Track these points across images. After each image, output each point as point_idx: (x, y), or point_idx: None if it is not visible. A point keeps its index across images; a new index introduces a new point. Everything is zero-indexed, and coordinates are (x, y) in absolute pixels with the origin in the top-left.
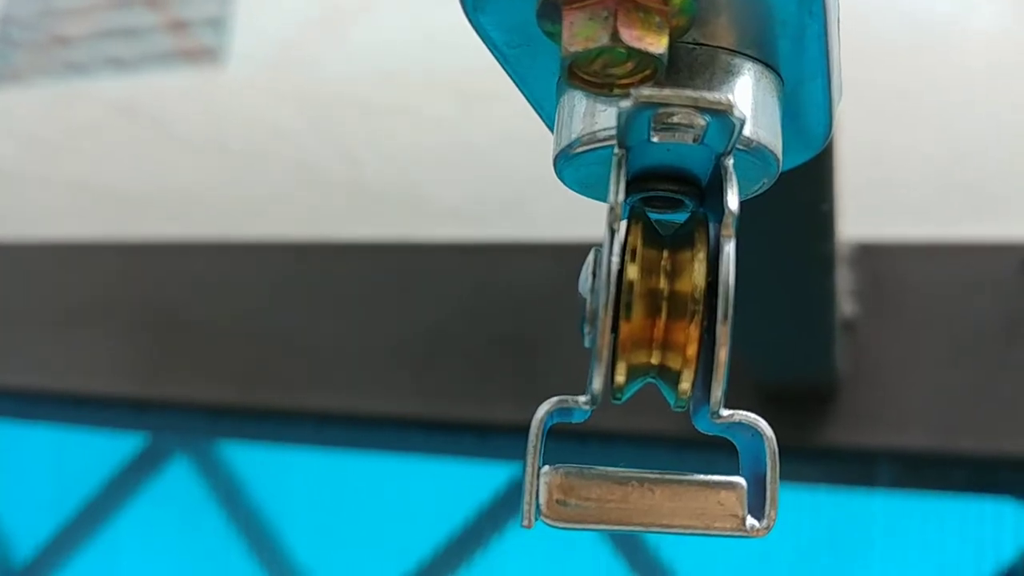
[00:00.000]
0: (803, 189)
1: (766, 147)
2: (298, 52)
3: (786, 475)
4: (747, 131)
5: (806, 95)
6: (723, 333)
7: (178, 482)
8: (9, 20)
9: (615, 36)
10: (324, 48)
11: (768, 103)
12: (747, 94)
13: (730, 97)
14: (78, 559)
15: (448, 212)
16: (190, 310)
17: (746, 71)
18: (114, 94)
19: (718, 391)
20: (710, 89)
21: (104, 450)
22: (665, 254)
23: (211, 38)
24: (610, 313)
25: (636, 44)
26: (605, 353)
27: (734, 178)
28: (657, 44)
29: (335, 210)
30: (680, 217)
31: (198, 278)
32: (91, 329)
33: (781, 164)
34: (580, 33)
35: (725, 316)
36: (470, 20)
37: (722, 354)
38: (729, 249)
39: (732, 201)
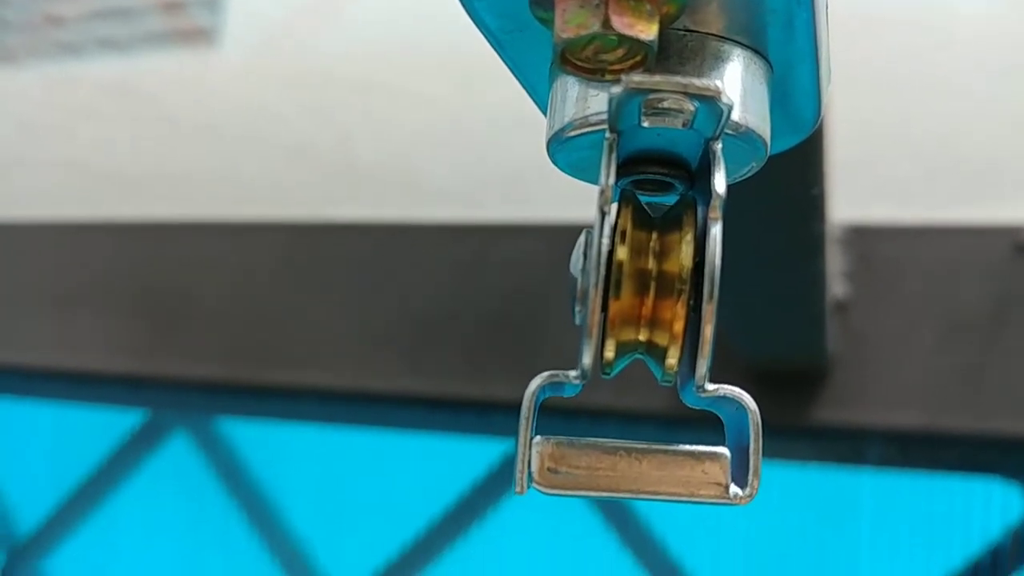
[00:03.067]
0: (794, 172)
1: (754, 132)
2: (292, 32)
3: (778, 453)
4: (735, 116)
5: (795, 80)
6: (708, 311)
7: (177, 457)
8: (3, 2)
9: (606, 23)
10: (319, 28)
11: (757, 89)
12: (736, 80)
13: (718, 83)
14: (80, 533)
15: (442, 192)
16: (186, 289)
17: (735, 57)
18: (108, 75)
19: (703, 366)
20: (700, 75)
21: (104, 426)
22: (654, 235)
23: (206, 18)
24: (600, 292)
25: (627, 31)
26: (595, 331)
27: (722, 162)
28: (647, 31)
29: (330, 190)
30: (670, 199)
31: (194, 258)
32: (89, 308)
33: (769, 148)
34: (572, 20)
35: (711, 295)
36: (465, 6)
37: (707, 331)
38: (716, 231)
39: (719, 184)
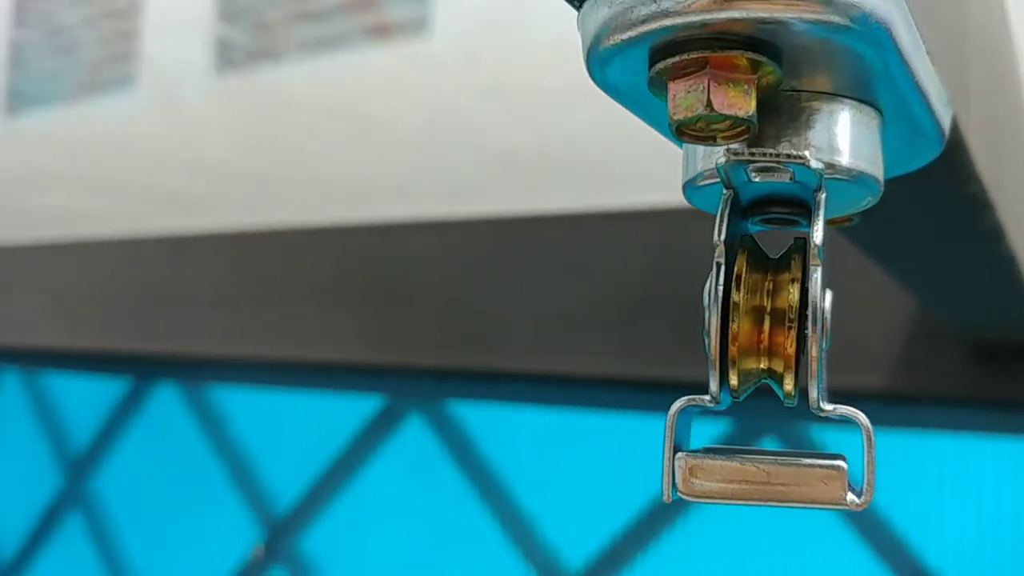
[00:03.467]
0: (945, 176)
1: (865, 173)
2: (499, 20)
3: (1007, 428)
4: (845, 163)
5: (912, 110)
6: (813, 343)
7: (414, 439)
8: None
9: (708, 105)
10: (526, 15)
11: (866, 135)
12: (845, 132)
13: (805, 153)
14: (330, 511)
15: (640, 180)
16: (411, 284)
17: (843, 110)
18: (313, 80)
19: (814, 391)
20: (807, 132)
21: (346, 412)
22: (769, 276)
23: (411, 11)
24: (718, 332)
25: (727, 111)
26: (718, 364)
27: (822, 213)
28: (745, 108)
29: (533, 182)
30: (803, 228)
31: (417, 255)
32: (329, 305)
33: (883, 184)
34: (681, 104)
35: (815, 329)
36: (595, 81)
37: (813, 361)
38: (816, 276)
39: (817, 235)
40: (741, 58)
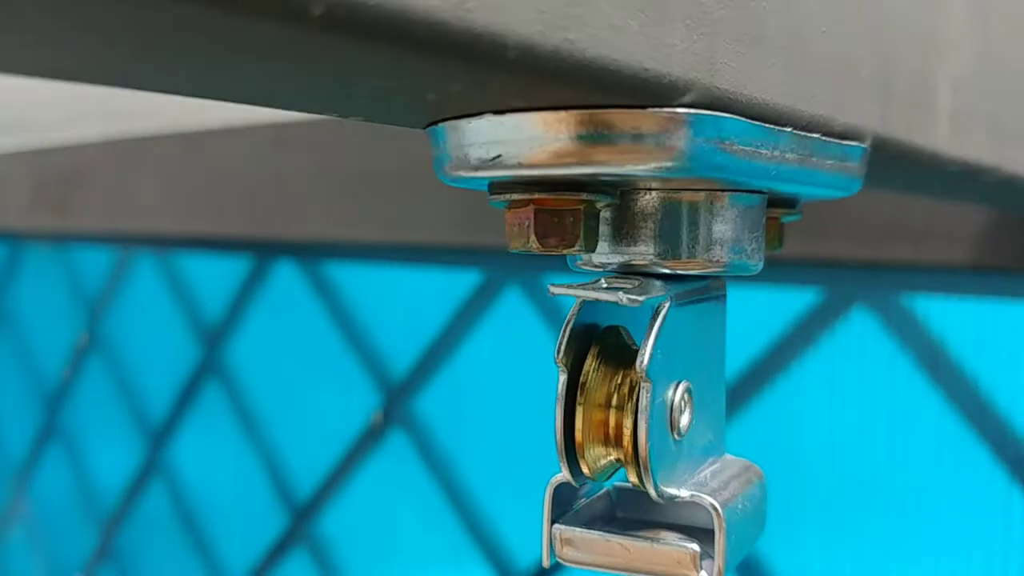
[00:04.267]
0: (916, 171)
1: (725, 265)
2: None
3: None
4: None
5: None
6: (643, 442)
7: (511, 309)
8: None
9: (536, 239)
10: None
11: (737, 223)
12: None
13: (621, 295)
14: (439, 377)
15: None
16: None
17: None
18: None
19: (649, 484)
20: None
21: (449, 286)
22: (620, 371)
23: None
24: (561, 432)
25: (552, 247)
26: (564, 457)
27: (652, 337)
28: (571, 239)
29: None
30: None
31: None
32: (431, 191)
33: (753, 259)
34: (515, 236)
35: (643, 434)
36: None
37: (643, 460)
38: (644, 392)
39: (644, 357)
40: (567, 198)
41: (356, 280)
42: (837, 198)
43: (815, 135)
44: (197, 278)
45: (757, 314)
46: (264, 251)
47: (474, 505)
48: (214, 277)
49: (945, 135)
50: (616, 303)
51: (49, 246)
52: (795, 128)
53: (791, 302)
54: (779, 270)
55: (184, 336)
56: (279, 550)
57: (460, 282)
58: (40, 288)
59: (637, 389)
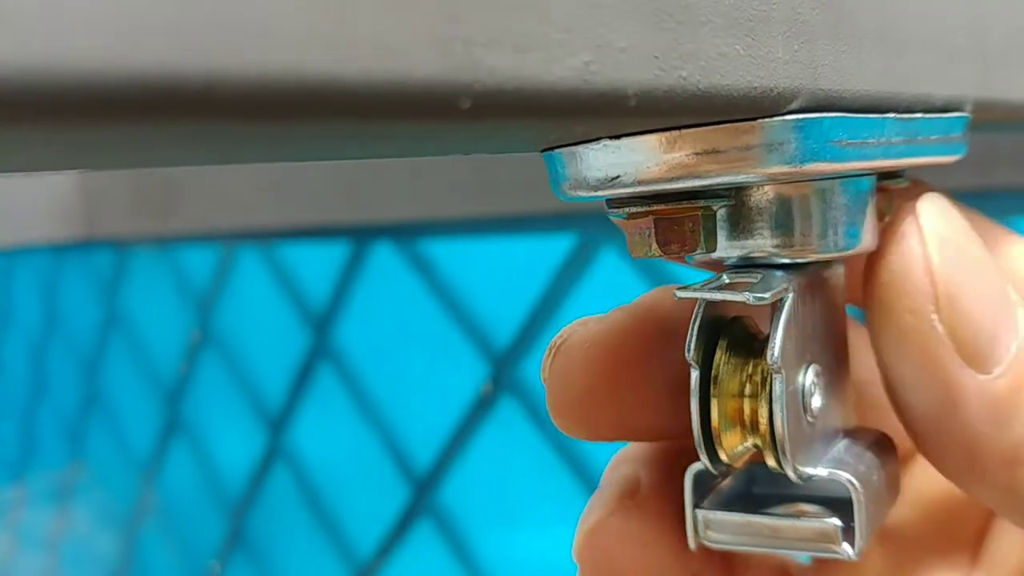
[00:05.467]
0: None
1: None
2: None
3: None
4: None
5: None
6: (779, 424)
7: (609, 269)
8: None
9: (659, 246)
10: None
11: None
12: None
13: (747, 295)
14: (543, 342)
15: None
16: None
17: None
18: None
19: (788, 467)
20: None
21: (545, 252)
22: (751, 360)
23: None
24: (699, 423)
25: (674, 253)
26: (702, 445)
27: (780, 330)
28: (692, 245)
29: None
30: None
31: None
32: (517, 161)
33: (864, 240)
34: (636, 245)
35: (776, 422)
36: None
37: (782, 441)
38: (778, 383)
39: (775, 348)
40: (685, 206)
41: (452, 255)
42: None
43: (917, 115)
44: (299, 267)
45: None
46: (361, 234)
47: (589, 461)
48: (316, 264)
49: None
50: (744, 303)
51: (154, 249)
52: (897, 113)
53: None
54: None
55: (292, 323)
56: (404, 522)
57: (556, 247)
58: (149, 290)
59: (770, 379)
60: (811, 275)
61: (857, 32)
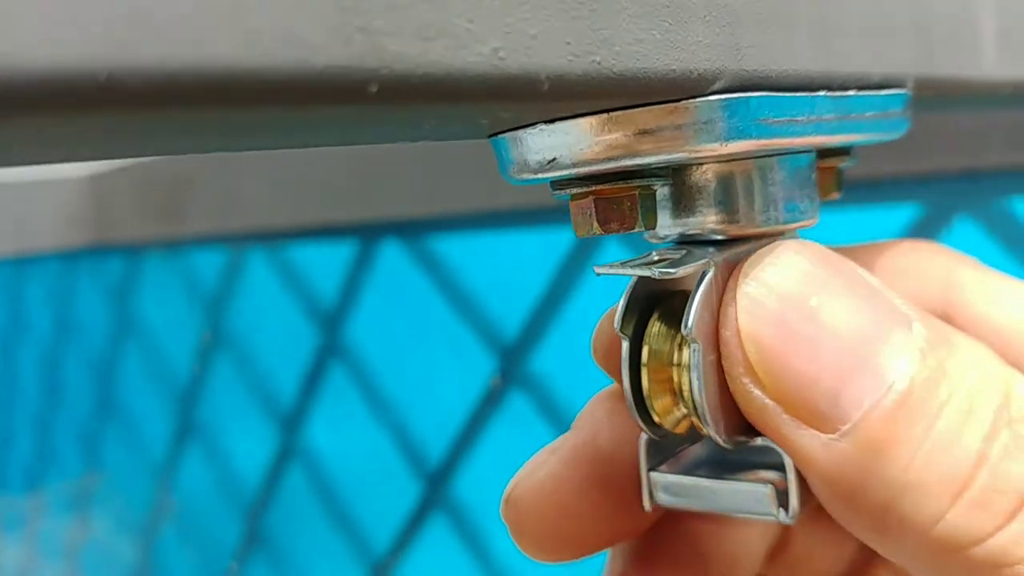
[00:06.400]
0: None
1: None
2: None
3: None
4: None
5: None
6: (696, 392)
7: (613, 259)
8: None
9: (600, 224)
10: None
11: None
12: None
13: (655, 270)
14: (552, 335)
15: None
16: None
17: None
18: None
19: (713, 432)
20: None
21: (550, 244)
22: (679, 338)
23: None
24: (630, 391)
25: (615, 230)
26: (635, 413)
27: (695, 300)
28: (630, 224)
29: None
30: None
31: None
32: None
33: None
34: (579, 224)
35: (696, 387)
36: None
37: (704, 409)
38: (695, 351)
39: (690, 320)
40: (623, 186)
41: (459, 250)
42: (887, 142)
43: (851, 92)
44: (308, 266)
45: (860, 235)
46: (368, 232)
47: None
48: (324, 263)
49: (992, 60)
50: (650, 277)
51: (163, 252)
52: (829, 90)
53: (891, 220)
54: (875, 190)
55: (302, 323)
56: (418, 517)
57: (560, 239)
58: (159, 293)
59: (690, 347)
60: (743, 251)
61: (788, 15)
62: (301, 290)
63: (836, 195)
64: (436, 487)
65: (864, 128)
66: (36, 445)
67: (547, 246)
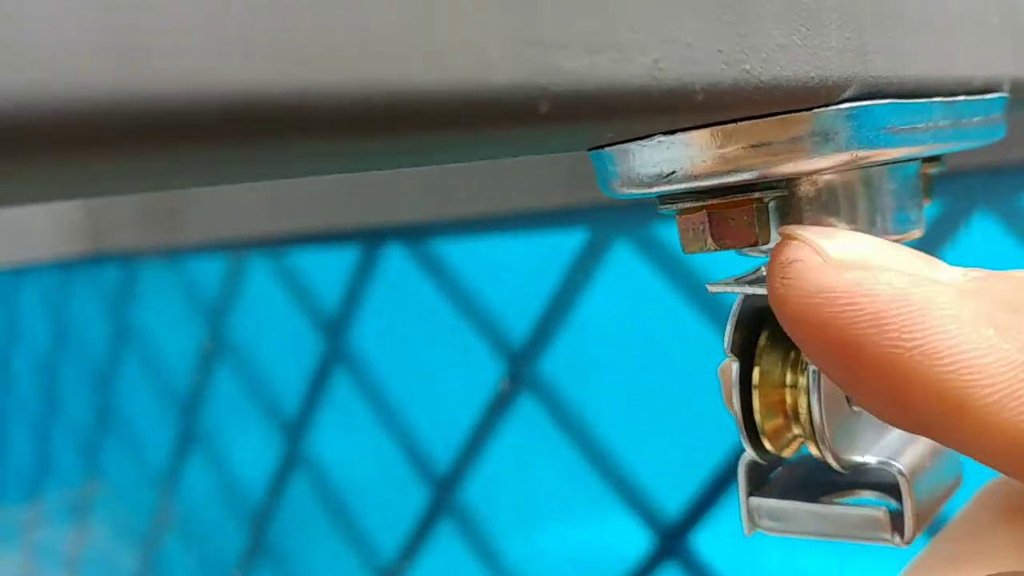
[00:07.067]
0: None
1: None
2: None
3: None
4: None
5: None
6: (816, 413)
7: (623, 263)
8: None
9: (714, 240)
10: None
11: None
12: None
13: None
14: (560, 337)
15: None
16: None
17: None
18: None
19: (828, 456)
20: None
21: (558, 247)
22: (792, 351)
23: None
24: (740, 413)
25: (732, 246)
26: (745, 436)
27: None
28: (747, 239)
29: None
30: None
31: None
32: (523, 158)
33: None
34: (690, 241)
35: (816, 409)
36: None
37: (821, 432)
38: (813, 374)
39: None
40: (738, 199)
41: (463, 254)
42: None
43: (960, 97)
44: (310, 272)
45: None
46: (371, 237)
47: (610, 456)
48: (326, 269)
49: None
50: (765, 295)
51: (163, 260)
52: (942, 96)
53: None
54: None
55: (305, 330)
56: (426, 524)
57: (567, 242)
58: (160, 302)
59: (807, 369)
60: None
61: (902, 17)
62: (303, 297)
63: (928, 202)
64: (444, 493)
65: (971, 134)
66: (34, 455)
67: (554, 249)
